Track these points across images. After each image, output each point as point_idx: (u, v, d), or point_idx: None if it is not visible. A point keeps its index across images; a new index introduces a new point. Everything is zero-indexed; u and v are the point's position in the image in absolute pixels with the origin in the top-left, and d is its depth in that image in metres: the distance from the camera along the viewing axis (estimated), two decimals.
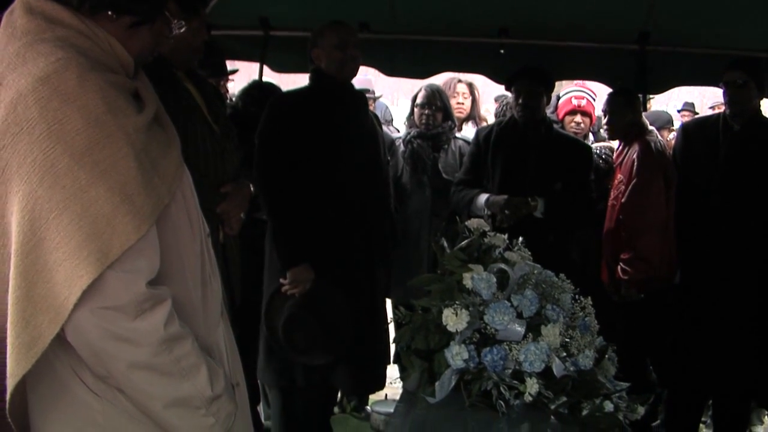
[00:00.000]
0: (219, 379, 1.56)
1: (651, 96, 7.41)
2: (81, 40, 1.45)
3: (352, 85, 3.63)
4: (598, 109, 4.90)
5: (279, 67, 5.09)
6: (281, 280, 3.43)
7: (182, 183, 1.57)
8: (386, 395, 4.68)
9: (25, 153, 1.34)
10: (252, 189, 3.20)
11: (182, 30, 1.71)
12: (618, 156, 4.31)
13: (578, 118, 4.83)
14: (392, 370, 4.19)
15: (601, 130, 6.31)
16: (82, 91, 1.37)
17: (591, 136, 5.09)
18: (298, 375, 3.53)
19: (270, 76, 5.11)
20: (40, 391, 1.49)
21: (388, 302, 4.14)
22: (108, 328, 1.39)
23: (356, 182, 3.49)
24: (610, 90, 4.60)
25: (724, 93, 4.02)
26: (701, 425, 4.42)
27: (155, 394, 1.46)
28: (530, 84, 4.12)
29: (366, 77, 6.35)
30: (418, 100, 4.62)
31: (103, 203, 1.36)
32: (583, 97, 4.92)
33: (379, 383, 3.82)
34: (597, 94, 5.16)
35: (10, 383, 1.38)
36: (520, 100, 4.12)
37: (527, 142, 4.14)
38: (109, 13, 1.51)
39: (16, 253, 1.34)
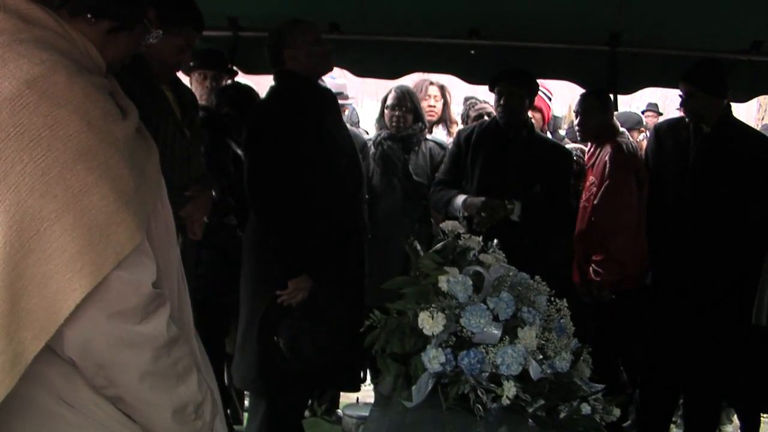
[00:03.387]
0: (202, 380, 1.54)
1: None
2: (60, 42, 1.40)
3: (324, 84, 3.59)
4: (557, 108, 4.89)
5: (249, 69, 5.03)
6: (278, 292, 3.36)
7: (161, 192, 1.53)
8: (357, 398, 4.66)
9: (12, 161, 1.27)
10: (214, 193, 3.16)
11: (156, 40, 1.66)
12: (590, 158, 4.32)
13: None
14: None
15: (560, 131, 6.36)
16: (72, 96, 1.32)
17: (549, 135, 5.09)
18: (292, 382, 3.46)
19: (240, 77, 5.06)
20: (6, 407, 1.43)
21: None
22: (118, 335, 1.35)
23: (345, 186, 3.47)
24: (581, 90, 4.61)
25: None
26: (672, 425, 4.45)
27: (158, 401, 1.43)
28: (512, 86, 4.11)
29: (340, 81, 6.27)
30: (389, 102, 4.59)
31: (96, 212, 1.30)
32: None
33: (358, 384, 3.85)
34: (554, 92, 5.17)
35: None
36: (502, 102, 4.12)
37: (508, 144, 4.14)
38: (88, 16, 1.46)
39: (1, 265, 1.27)
